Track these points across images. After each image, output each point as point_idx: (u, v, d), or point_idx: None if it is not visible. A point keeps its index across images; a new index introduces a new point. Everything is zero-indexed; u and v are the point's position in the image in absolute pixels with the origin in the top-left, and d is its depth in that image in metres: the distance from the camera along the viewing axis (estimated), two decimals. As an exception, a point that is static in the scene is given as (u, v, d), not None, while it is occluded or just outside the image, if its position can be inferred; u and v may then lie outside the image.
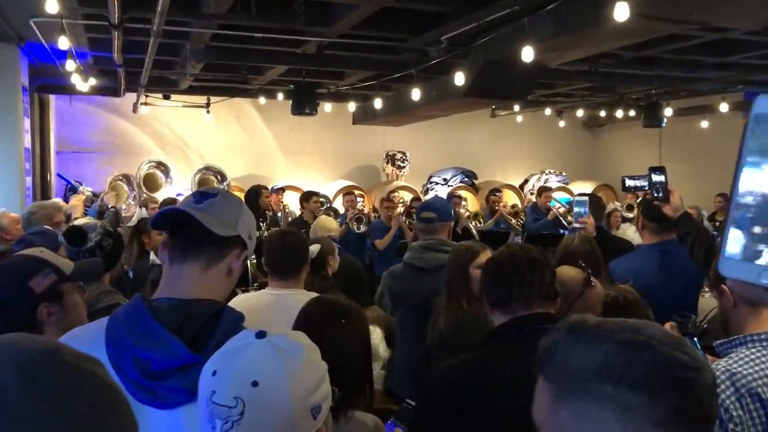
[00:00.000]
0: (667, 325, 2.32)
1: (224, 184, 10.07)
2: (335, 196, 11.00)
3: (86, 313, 2.03)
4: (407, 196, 11.10)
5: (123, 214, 7.57)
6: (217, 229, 1.43)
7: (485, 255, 2.96)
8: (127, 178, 9.88)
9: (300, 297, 2.52)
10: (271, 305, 2.60)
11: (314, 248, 3.44)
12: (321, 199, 8.87)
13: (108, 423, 0.66)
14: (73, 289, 1.96)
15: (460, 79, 6.43)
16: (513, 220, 9.45)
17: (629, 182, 3.13)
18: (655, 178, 2.93)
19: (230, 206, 1.51)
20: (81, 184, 7.91)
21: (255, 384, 1.03)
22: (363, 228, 7.79)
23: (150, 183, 10.32)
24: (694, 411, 0.83)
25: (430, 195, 11.27)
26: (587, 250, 3.13)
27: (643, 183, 3.02)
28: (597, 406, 0.85)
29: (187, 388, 1.32)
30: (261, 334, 1.10)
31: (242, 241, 1.51)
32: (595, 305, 2.33)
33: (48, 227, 3.77)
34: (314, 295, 2.54)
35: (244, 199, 8.16)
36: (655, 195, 2.95)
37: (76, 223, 3.21)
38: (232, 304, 2.20)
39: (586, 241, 3.33)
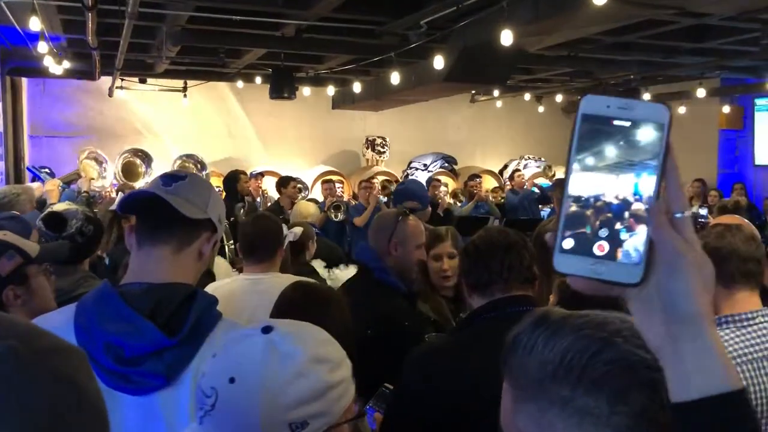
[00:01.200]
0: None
1: (204, 173, 9.94)
2: (314, 182, 10.96)
3: (54, 297, 2.01)
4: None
5: (100, 195, 7.45)
6: (188, 211, 1.40)
7: (445, 246, 2.98)
8: (95, 157, 9.66)
9: (276, 280, 2.51)
10: (246, 290, 2.58)
11: (297, 230, 3.42)
12: (299, 185, 8.83)
13: (69, 422, 0.62)
14: (39, 271, 1.94)
15: (439, 63, 6.40)
16: (491, 198, 9.54)
17: None
18: None
19: (199, 189, 1.48)
20: (52, 176, 7.77)
21: (232, 380, 0.96)
22: (341, 216, 7.75)
23: (129, 171, 10.18)
24: (658, 416, 0.73)
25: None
26: None
27: None
28: (555, 411, 0.77)
29: (162, 372, 1.31)
30: (267, 329, 1.01)
31: (212, 224, 1.48)
32: (412, 234, 2.68)
33: (17, 213, 3.72)
34: (291, 278, 2.52)
35: (222, 184, 8.13)
36: None
37: (55, 208, 3.14)
38: (207, 289, 2.18)
39: None
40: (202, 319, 1.37)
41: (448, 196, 9.48)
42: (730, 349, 1.73)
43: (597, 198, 0.67)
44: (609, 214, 0.66)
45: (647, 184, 0.66)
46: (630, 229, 0.66)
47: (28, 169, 9.40)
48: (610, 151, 0.67)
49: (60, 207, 3.18)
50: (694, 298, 0.65)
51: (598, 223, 0.66)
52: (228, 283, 2.75)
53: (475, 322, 1.89)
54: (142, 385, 1.32)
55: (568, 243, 0.67)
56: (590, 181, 0.67)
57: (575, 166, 0.67)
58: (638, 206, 0.66)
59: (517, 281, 1.84)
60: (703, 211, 7.76)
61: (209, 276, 3.01)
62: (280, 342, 0.99)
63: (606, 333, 0.77)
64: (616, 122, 0.67)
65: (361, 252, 2.83)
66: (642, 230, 0.66)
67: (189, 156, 10.44)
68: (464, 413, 1.70)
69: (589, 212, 0.67)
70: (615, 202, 0.66)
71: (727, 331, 1.78)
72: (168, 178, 1.47)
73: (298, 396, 0.95)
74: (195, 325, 1.35)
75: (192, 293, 1.41)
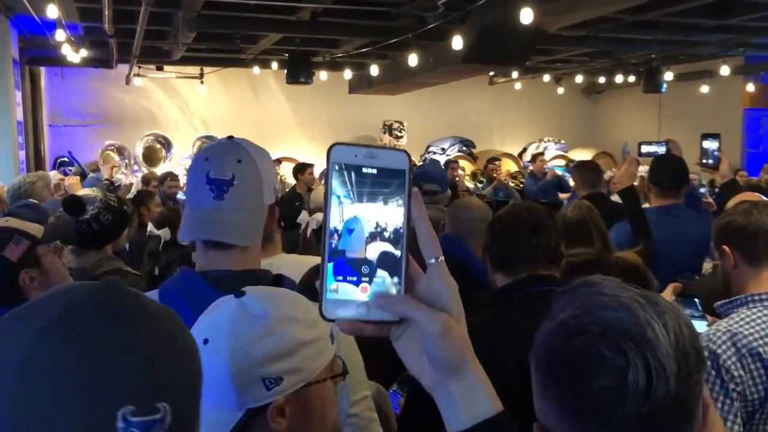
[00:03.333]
0: (671, 287, 2.29)
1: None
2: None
3: (68, 272, 2.03)
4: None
5: (123, 184, 7.50)
6: (245, 235, 1.37)
7: None
8: (118, 149, 9.76)
9: (282, 263, 2.52)
10: None
11: (319, 217, 3.41)
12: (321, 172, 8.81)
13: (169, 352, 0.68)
14: (48, 251, 1.95)
15: (458, 43, 6.31)
16: (511, 183, 9.46)
17: (645, 148, 3.13)
18: (707, 144, 2.92)
19: (251, 185, 1.39)
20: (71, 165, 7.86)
21: (205, 341, 1.00)
22: None
23: (150, 157, 10.22)
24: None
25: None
26: (578, 219, 3.03)
27: (659, 149, 3.03)
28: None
29: None
30: (240, 293, 1.06)
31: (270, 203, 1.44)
32: None
33: (34, 201, 3.75)
34: (299, 258, 2.52)
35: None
36: (704, 162, 2.94)
37: (78, 193, 3.18)
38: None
39: (577, 208, 3.24)
40: None
41: (467, 178, 9.41)
42: (758, 329, 1.68)
43: (355, 242, 0.69)
44: (368, 256, 0.69)
45: (398, 226, 0.70)
46: (388, 268, 0.69)
47: (68, 154, 9.49)
48: (364, 196, 0.70)
49: (82, 192, 3.20)
50: (449, 358, 0.70)
51: (359, 265, 0.69)
52: None
53: (499, 301, 1.85)
54: None
55: (333, 288, 0.69)
56: (348, 226, 0.70)
57: (332, 212, 0.70)
58: (389, 247, 0.69)
59: (544, 261, 1.79)
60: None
61: None
62: (250, 304, 1.04)
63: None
64: (364, 170, 0.70)
65: (447, 241, 2.54)
66: (398, 269, 0.69)
67: (209, 138, 10.37)
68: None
69: (350, 255, 0.69)
70: (373, 245, 0.69)
71: (755, 310, 1.73)
72: (217, 186, 1.37)
73: (267, 353, 1.00)
74: None
75: (277, 276, 1.40)
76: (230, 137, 1.43)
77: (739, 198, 2.75)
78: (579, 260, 2.32)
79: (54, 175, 5.47)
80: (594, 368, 0.76)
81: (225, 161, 1.37)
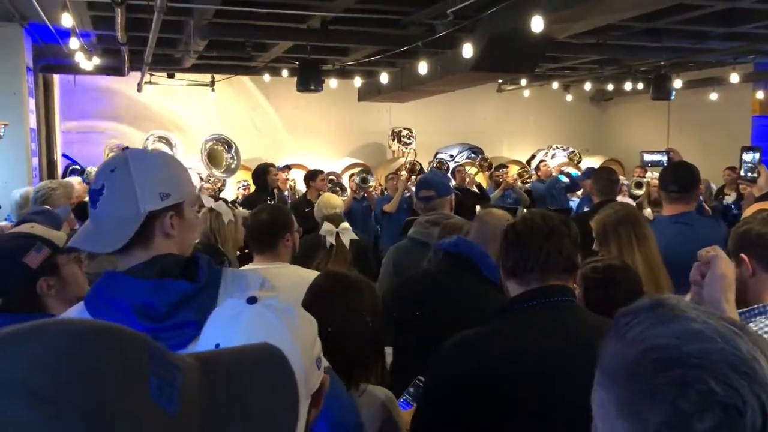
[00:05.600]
0: (688, 295, 2.30)
1: (232, 152, 9.93)
2: (341, 174, 10.98)
3: (87, 282, 2.04)
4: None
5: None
6: (111, 241, 1.43)
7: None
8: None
9: (284, 271, 2.57)
10: None
11: (330, 230, 3.43)
12: (331, 176, 8.88)
13: None
14: (68, 260, 1.96)
15: (467, 51, 6.34)
16: (519, 184, 9.54)
17: (647, 157, 3.14)
18: (747, 157, 2.92)
19: (120, 193, 1.43)
20: (81, 173, 7.93)
21: (217, 347, 1.02)
22: (371, 182, 8.16)
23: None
24: None
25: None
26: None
27: (661, 158, 3.03)
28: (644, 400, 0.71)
29: (194, 319, 1.36)
30: (252, 300, 1.09)
31: (158, 210, 1.45)
32: None
33: (48, 207, 3.79)
34: (297, 269, 2.57)
35: (251, 178, 8.14)
36: (743, 175, 2.94)
37: (86, 199, 3.22)
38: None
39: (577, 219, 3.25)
40: (211, 269, 1.47)
41: (475, 174, 9.58)
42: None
43: None
44: None
45: None
46: None
47: (63, 155, 9.58)
48: None
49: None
50: None
51: None
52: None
53: (509, 311, 1.85)
54: (175, 340, 1.35)
55: None
56: None
57: None
58: None
59: (556, 270, 1.77)
60: (730, 198, 7.64)
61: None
62: (275, 303, 1.09)
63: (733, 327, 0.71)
64: None
65: (463, 245, 2.64)
66: None
67: (214, 138, 10.19)
68: (498, 403, 1.67)
69: None
70: None
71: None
72: (92, 197, 1.47)
73: (313, 334, 1.10)
74: (210, 274, 1.44)
75: (192, 255, 1.50)
76: (125, 148, 1.54)
77: (757, 207, 2.75)
78: (604, 264, 2.34)
79: (79, 183, 5.51)
80: (696, 405, 0.66)
81: (99, 172, 1.47)
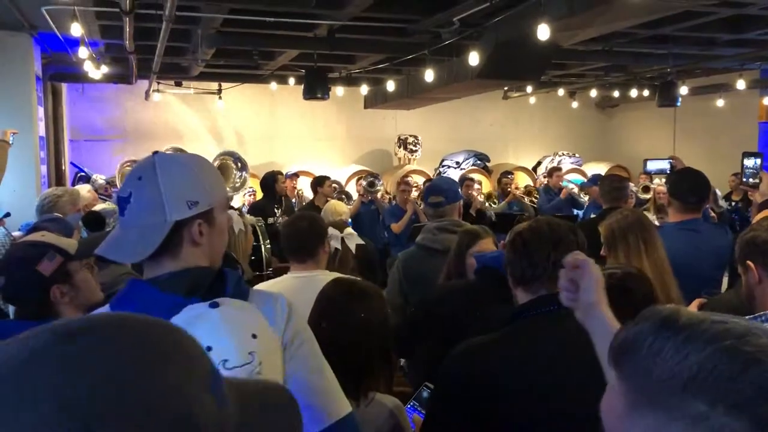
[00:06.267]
0: (696, 302, 2.30)
1: (242, 172, 9.93)
2: (347, 182, 11.00)
3: (99, 288, 2.06)
4: (419, 180, 11.08)
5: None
6: (136, 251, 1.39)
7: (486, 242, 2.95)
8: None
9: (323, 278, 2.54)
10: (298, 288, 2.62)
11: (335, 236, 3.44)
12: (335, 184, 8.88)
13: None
14: (81, 267, 1.98)
15: (473, 59, 6.36)
16: (526, 199, 9.39)
17: (651, 165, 3.14)
18: (748, 162, 2.93)
19: (147, 202, 1.38)
20: (87, 180, 7.98)
21: (254, 336, 1.16)
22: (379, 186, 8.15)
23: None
24: None
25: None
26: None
27: (664, 166, 3.04)
28: (681, 426, 0.70)
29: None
30: (214, 304, 1.19)
31: (187, 219, 1.40)
32: None
33: (59, 214, 3.81)
34: (336, 275, 2.55)
35: (260, 185, 8.15)
36: (745, 180, 2.95)
37: (94, 208, 3.24)
38: (259, 287, 2.22)
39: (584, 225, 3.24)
40: (240, 288, 1.42)
41: (482, 196, 9.33)
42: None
43: None
44: None
45: None
46: None
47: (71, 163, 9.64)
48: None
49: (98, 207, 3.26)
50: None
51: None
52: (277, 282, 2.80)
53: (517, 319, 1.85)
54: None
55: None
56: None
57: None
58: None
59: None
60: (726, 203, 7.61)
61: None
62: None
63: (752, 347, 0.69)
64: None
65: (492, 260, 2.60)
66: None
67: (229, 153, 10.25)
68: (505, 410, 1.68)
69: None
70: None
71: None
72: (120, 205, 1.43)
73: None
74: (235, 291, 1.38)
75: (220, 270, 1.43)
76: (155, 152, 1.44)
77: (765, 214, 2.75)
78: (621, 273, 2.34)
79: (89, 190, 5.53)
80: None
81: (127, 180, 1.42)
